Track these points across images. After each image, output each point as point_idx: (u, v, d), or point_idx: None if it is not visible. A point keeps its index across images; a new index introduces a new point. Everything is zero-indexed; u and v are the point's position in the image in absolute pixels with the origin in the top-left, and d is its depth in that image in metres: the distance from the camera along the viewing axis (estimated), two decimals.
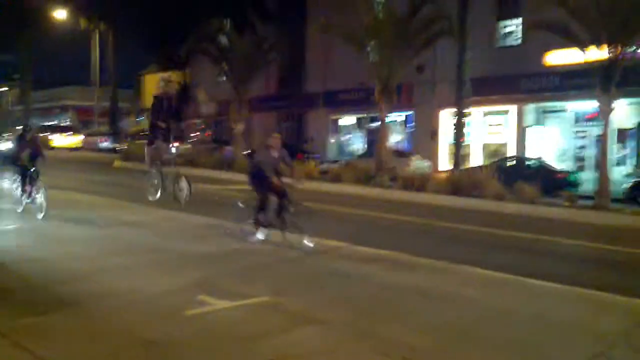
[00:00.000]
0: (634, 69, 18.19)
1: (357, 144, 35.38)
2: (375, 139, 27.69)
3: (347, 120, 36.07)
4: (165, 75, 48.45)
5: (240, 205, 10.55)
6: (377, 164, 23.02)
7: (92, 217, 12.58)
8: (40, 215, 12.11)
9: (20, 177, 12.89)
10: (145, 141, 22.09)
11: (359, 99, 30.86)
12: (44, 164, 12.99)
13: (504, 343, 5.80)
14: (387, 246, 10.25)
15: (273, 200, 10.17)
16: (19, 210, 12.86)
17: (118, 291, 7.12)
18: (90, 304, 6.68)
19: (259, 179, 10.19)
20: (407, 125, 32.26)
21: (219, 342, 5.62)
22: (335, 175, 23.30)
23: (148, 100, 52.42)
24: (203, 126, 43.69)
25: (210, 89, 40.63)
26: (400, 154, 27.62)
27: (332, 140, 35.99)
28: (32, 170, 12.65)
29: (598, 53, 17.36)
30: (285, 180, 10.40)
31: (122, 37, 45.84)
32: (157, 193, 15.49)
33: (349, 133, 36.28)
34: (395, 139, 31.75)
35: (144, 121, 53.91)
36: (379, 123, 24.28)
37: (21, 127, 17.77)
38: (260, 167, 10.22)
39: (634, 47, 17.15)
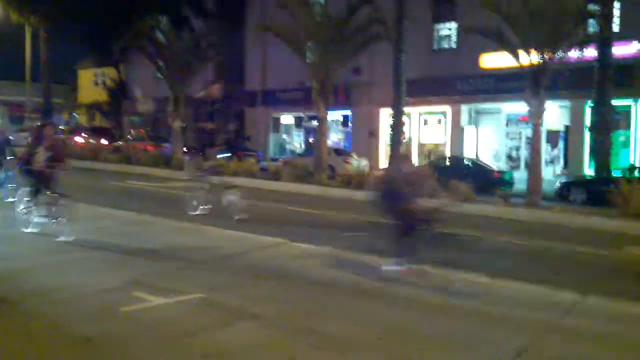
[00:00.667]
0: (562, 74, 18.87)
1: (297, 142, 35.52)
2: (314, 137, 27.83)
3: (287, 119, 36.16)
4: (100, 71, 47.50)
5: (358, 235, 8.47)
6: (316, 162, 23.16)
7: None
8: (66, 237, 9.54)
9: (32, 187, 10.22)
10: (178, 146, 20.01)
11: (298, 98, 31.01)
12: (68, 171, 10.53)
13: (438, 336, 5.94)
14: (323, 242, 10.33)
15: (405, 226, 8.01)
16: (27, 231, 10.22)
17: (51, 289, 6.98)
18: (22, 302, 6.53)
19: (393, 201, 8.05)
20: (346, 124, 32.56)
21: (153, 337, 5.60)
22: (275, 173, 23.31)
23: (83, 97, 51.24)
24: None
25: (147, 85, 40.02)
26: (339, 152, 27.86)
27: (272, 139, 36.03)
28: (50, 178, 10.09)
29: (529, 57, 17.95)
30: (430, 202, 8.38)
31: (56, 32, 44.56)
32: (200, 207, 13.44)
33: (288, 131, 36.39)
34: (334, 137, 32.02)
35: (80, 118, 52.67)
36: (317, 122, 24.43)
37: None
38: (394, 186, 8.16)
39: (562, 53, 17.81)
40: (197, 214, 13.24)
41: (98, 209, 13.42)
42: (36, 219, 10.20)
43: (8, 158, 14.48)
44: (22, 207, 10.50)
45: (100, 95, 46.32)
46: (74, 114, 53.78)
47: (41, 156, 10.08)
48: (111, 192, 18.40)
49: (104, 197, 15.41)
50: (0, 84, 56.73)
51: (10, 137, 16.03)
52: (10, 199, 12.78)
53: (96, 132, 39.80)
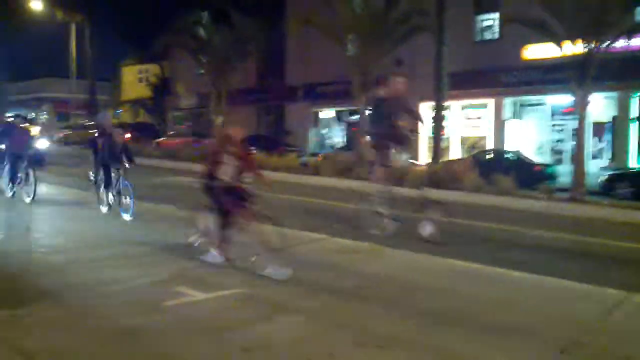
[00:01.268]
0: (608, 64, 18.45)
1: (337, 137, 35.49)
2: (355, 132, 27.79)
3: (327, 113, 36.16)
4: (143, 67, 48.26)
5: None
6: (355, 156, 23.12)
7: None
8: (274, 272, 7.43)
9: (216, 209, 8.08)
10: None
11: (338, 92, 30.89)
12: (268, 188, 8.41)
13: (479, 332, 5.87)
14: (364, 238, 10.29)
15: None
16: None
17: (97, 283, 7.12)
18: (69, 295, 6.68)
19: None
20: None
21: (196, 331, 5.66)
22: (315, 168, 23.38)
23: (126, 93, 52.15)
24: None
25: (189, 81, 40.48)
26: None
27: (313, 134, 36.07)
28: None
29: (574, 48, 17.60)
30: None
31: (99, 29, 45.50)
32: (379, 222, 10.89)
33: (328, 126, 36.38)
34: None
35: (122, 114, 53.59)
36: (358, 116, 24.38)
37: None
38: None
39: (608, 42, 17.41)
40: (377, 233, 10.70)
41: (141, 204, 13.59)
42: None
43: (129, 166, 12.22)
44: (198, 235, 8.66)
45: (143, 91, 47.09)
46: (117, 110, 54.77)
47: (229, 168, 7.98)
48: (156, 188, 18.60)
49: (148, 192, 15.58)
50: (47, 81, 58.07)
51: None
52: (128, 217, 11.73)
53: (139, 128, 40.43)
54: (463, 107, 28.98)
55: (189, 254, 8.69)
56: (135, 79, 51.05)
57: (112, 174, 12.17)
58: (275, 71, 36.82)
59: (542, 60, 24.10)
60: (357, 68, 22.94)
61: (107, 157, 12.20)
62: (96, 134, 13.38)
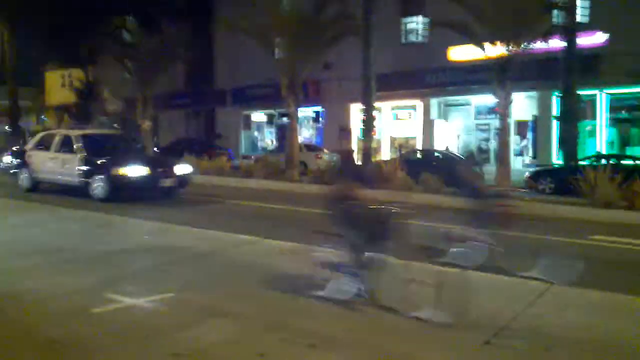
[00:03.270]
0: (528, 65, 19.11)
1: (268, 139, 35.54)
2: (286, 134, 27.84)
3: (258, 116, 36.13)
4: (67, 72, 46.87)
5: None
6: (287, 158, 23.17)
7: None
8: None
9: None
10: None
11: (268, 95, 30.96)
12: None
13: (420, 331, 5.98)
14: (298, 239, 10.29)
15: None
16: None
17: (19, 292, 6.90)
18: None
19: None
20: (318, 120, 32.60)
21: (124, 338, 5.56)
22: (246, 171, 23.32)
23: (51, 99, 50.55)
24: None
25: (115, 86, 39.64)
26: (311, 148, 27.91)
27: (243, 136, 35.99)
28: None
29: (495, 49, 18.18)
30: None
31: (21, 33, 43.80)
32: None
33: (260, 129, 36.37)
34: (306, 134, 32.05)
35: (48, 122, 51.89)
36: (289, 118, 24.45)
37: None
38: None
39: (527, 44, 18.08)
40: None
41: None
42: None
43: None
44: None
45: (68, 97, 45.71)
46: (42, 117, 52.98)
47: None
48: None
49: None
50: None
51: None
52: None
53: None
54: (393, 108, 29.44)
55: (115, 258, 8.56)
56: (58, 84, 49.46)
57: None
58: (204, 75, 36.50)
59: (467, 61, 24.75)
60: (286, 71, 22.98)
61: None
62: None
